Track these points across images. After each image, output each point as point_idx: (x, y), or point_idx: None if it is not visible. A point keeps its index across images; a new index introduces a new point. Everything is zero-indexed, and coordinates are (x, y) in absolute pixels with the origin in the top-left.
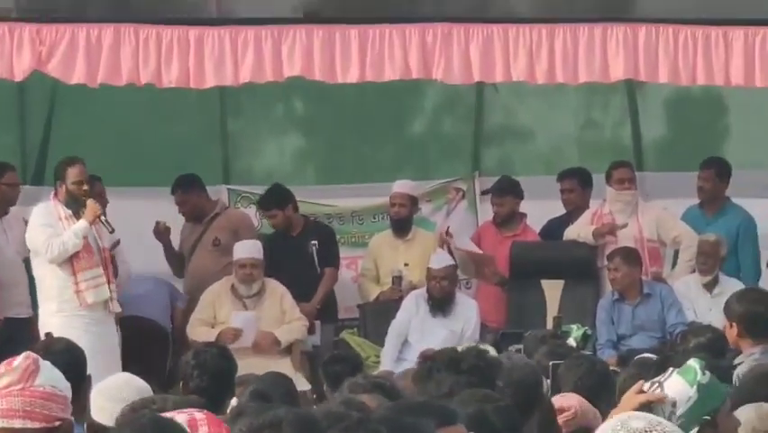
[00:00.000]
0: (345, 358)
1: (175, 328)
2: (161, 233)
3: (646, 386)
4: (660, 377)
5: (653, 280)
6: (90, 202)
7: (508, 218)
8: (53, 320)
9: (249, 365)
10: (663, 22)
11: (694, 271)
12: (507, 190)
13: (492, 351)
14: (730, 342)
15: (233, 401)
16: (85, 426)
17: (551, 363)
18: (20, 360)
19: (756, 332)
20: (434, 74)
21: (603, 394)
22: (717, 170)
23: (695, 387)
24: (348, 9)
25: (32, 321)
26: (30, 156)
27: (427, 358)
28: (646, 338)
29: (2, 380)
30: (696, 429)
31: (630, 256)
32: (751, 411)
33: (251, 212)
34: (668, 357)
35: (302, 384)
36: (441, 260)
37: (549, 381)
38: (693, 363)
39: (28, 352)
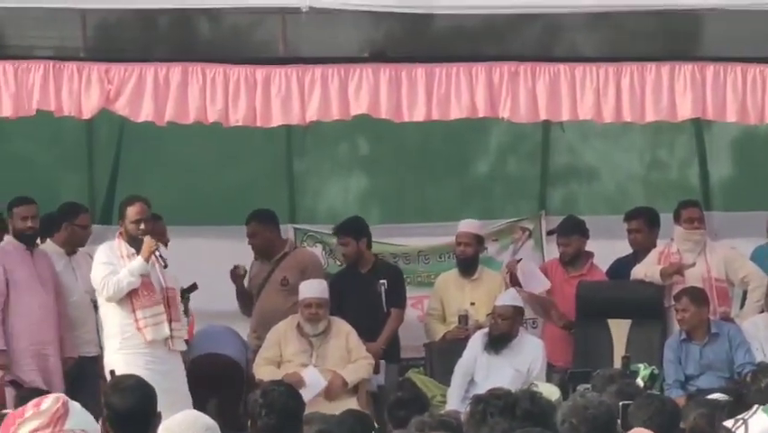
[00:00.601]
0: (410, 401)
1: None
2: (238, 276)
3: (730, 423)
4: (744, 414)
5: (720, 320)
6: (147, 239)
7: (575, 258)
8: (116, 357)
9: (315, 404)
10: (731, 60)
11: (763, 312)
12: (574, 230)
13: (557, 392)
14: None
15: None
16: None
17: (620, 404)
18: (49, 402)
19: None
20: (501, 113)
21: None
22: None
23: None
24: (414, 48)
25: (99, 359)
26: (98, 195)
27: (481, 400)
28: (714, 378)
29: (30, 423)
30: None
31: (698, 296)
32: None
33: (318, 251)
34: (741, 396)
35: None
36: (504, 299)
37: (619, 420)
38: None
39: (58, 394)
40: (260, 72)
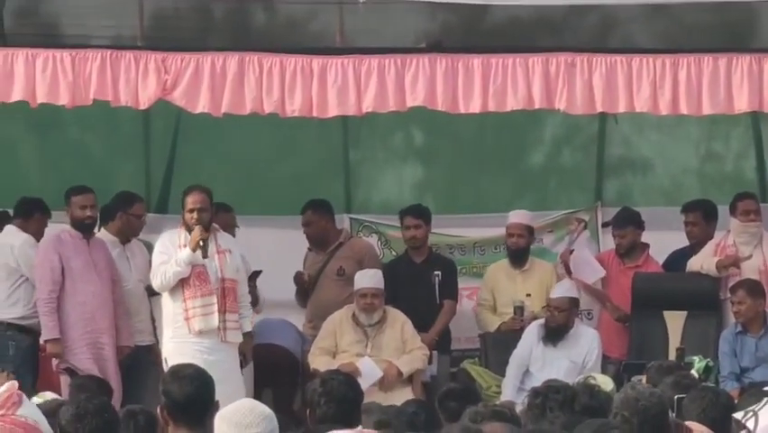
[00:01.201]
0: (461, 392)
1: (303, 366)
2: (302, 281)
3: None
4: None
5: None
6: (195, 229)
7: (630, 249)
8: (168, 346)
9: (369, 394)
10: None
11: None
12: (628, 221)
13: (611, 384)
14: None
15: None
16: None
17: (675, 397)
18: (4, 388)
19: None
20: (557, 104)
21: (727, 426)
22: None
23: None
24: (470, 40)
25: (153, 348)
26: (154, 185)
27: (539, 393)
28: None
29: None
30: None
31: (754, 288)
32: None
33: (374, 241)
34: None
35: None
36: (560, 290)
37: (673, 414)
38: None
39: (13, 382)
40: (317, 62)
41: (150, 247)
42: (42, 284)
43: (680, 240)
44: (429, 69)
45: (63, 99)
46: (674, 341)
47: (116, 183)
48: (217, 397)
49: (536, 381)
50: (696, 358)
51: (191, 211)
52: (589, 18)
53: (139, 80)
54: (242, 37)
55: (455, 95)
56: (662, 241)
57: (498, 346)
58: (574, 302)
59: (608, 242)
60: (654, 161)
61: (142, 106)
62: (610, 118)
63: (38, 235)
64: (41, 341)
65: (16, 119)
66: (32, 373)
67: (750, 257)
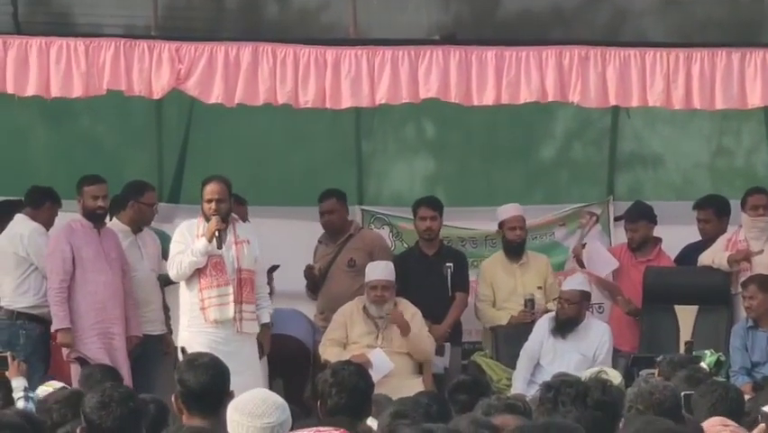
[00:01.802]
0: (471, 385)
1: (314, 357)
2: (313, 275)
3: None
4: None
5: None
6: (212, 219)
7: (643, 243)
8: (184, 334)
9: (381, 386)
10: None
11: None
12: (641, 216)
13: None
14: None
15: (369, 421)
16: None
17: (683, 393)
18: None
19: None
20: (571, 97)
21: (737, 421)
22: None
23: None
24: (484, 31)
25: (164, 338)
26: (166, 174)
27: (551, 388)
28: None
29: None
30: None
31: (766, 283)
32: None
33: (385, 233)
34: None
35: None
36: (570, 283)
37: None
38: None
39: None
40: (330, 53)
41: (162, 236)
42: (53, 274)
43: (691, 234)
44: (443, 60)
45: (77, 91)
46: (685, 335)
47: (128, 173)
48: (232, 387)
49: (547, 374)
50: (707, 352)
51: (209, 201)
52: (602, 11)
53: (153, 70)
54: (255, 27)
55: (469, 87)
56: (673, 235)
57: (509, 339)
58: (585, 295)
59: (620, 236)
60: (666, 156)
61: (156, 96)
62: (622, 112)
63: (48, 224)
64: (52, 330)
65: (28, 108)
66: (43, 362)
67: (761, 252)
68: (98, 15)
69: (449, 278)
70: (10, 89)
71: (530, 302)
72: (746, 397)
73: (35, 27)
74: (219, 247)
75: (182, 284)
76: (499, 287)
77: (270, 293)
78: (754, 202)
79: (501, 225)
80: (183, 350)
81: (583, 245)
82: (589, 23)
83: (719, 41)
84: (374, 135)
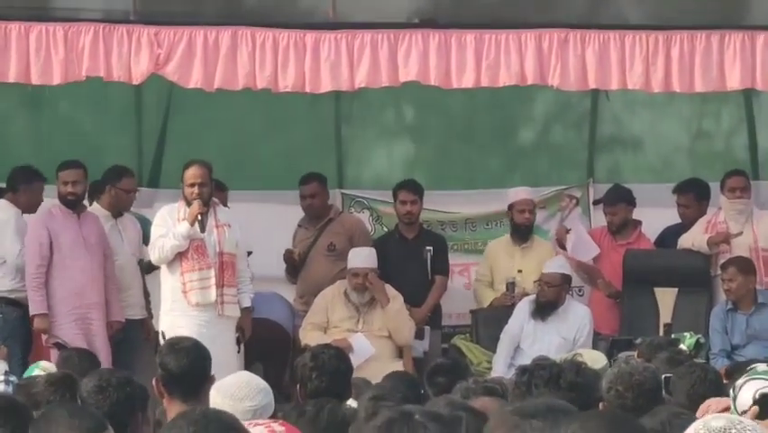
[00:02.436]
0: (450, 367)
1: (295, 341)
2: (292, 258)
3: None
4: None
5: (767, 290)
6: (194, 203)
7: (622, 226)
8: (166, 318)
9: (361, 370)
10: None
11: None
12: (620, 198)
13: (604, 360)
14: None
15: (350, 402)
16: None
17: (663, 376)
18: None
19: None
20: (550, 80)
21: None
22: None
23: None
24: (463, 15)
25: (145, 322)
26: (146, 159)
27: (526, 371)
28: (760, 348)
29: None
30: None
31: (745, 266)
32: None
33: (365, 217)
34: None
35: None
36: (552, 265)
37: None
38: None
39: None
40: (310, 37)
41: (143, 221)
42: (30, 259)
43: (670, 217)
44: (422, 44)
45: (56, 78)
46: (665, 318)
47: (108, 158)
48: (214, 371)
49: (527, 357)
50: (687, 334)
51: (191, 185)
52: None
53: (132, 55)
54: (234, 11)
55: (448, 70)
56: (653, 218)
57: (489, 322)
58: (566, 278)
59: (600, 218)
60: (646, 139)
61: (135, 81)
62: (602, 96)
63: (30, 206)
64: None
65: (8, 94)
66: (21, 346)
67: (740, 234)
68: (77, 0)
69: (428, 262)
70: None
71: (510, 285)
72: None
73: (14, 12)
74: (202, 231)
75: (163, 268)
76: (498, 269)
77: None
78: (733, 184)
79: (511, 207)
80: (163, 334)
81: (567, 230)
82: (568, 5)
83: (698, 23)
84: (354, 120)
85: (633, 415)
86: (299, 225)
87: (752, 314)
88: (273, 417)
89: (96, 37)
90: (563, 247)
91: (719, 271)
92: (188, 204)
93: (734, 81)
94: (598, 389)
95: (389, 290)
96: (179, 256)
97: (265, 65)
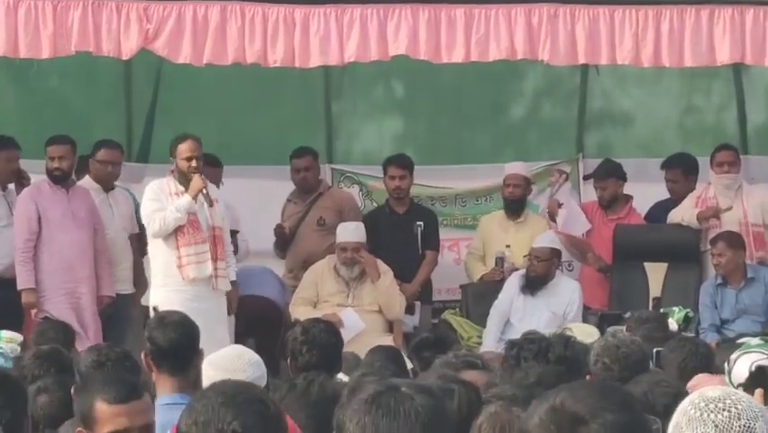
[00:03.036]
0: (436, 341)
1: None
2: (283, 233)
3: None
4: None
5: (757, 265)
6: (195, 177)
7: (612, 201)
8: (159, 294)
9: (351, 344)
10: None
11: None
12: (610, 173)
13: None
14: None
15: (341, 376)
16: None
17: (654, 350)
18: None
19: None
20: (540, 55)
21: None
22: None
23: None
24: None
25: (135, 297)
26: (135, 134)
27: (515, 345)
28: (750, 323)
29: None
30: None
31: (734, 241)
32: None
33: (355, 192)
34: None
35: None
36: (542, 240)
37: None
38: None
39: None
40: (299, 12)
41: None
42: (19, 234)
43: (660, 192)
44: (412, 18)
45: (45, 52)
46: (655, 292)
47: (97, 133)
48: (206, 344)
49: (517, 331)
50: (676, 309)
51: (188, 159)
52: None
53: (121, 30)
54: None
55: (438, 44)
56: (643, 193)
57: (479, 297)
58: (555, 253)
59: (590, 193)
60: (635, 115)
61: (125, 57)
62: (592, 71)
63: (2, 177)
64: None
65: None
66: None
67: (730, 208)
68: None
69: (419, 236)
70: None
71: (500, 260)
72: None
73: None
74: (210, 205)
75: (155, 244)
76: (491, 243)
77: (235, 252)
78: (721, 159)
79: (504, 181)
80: (155, 309)
81: (560, 204)
82: None
83: None
84: (343, 95)
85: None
86: (288, 200)
87: (741, 289)
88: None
89: (86, 12)
90: (554, 220)
91: (709, 246)
92: (179, 179)
93: (723, 56)
94: (586, 362)
95: (380, 264)
96: (175, 231)
97: (254, 40)
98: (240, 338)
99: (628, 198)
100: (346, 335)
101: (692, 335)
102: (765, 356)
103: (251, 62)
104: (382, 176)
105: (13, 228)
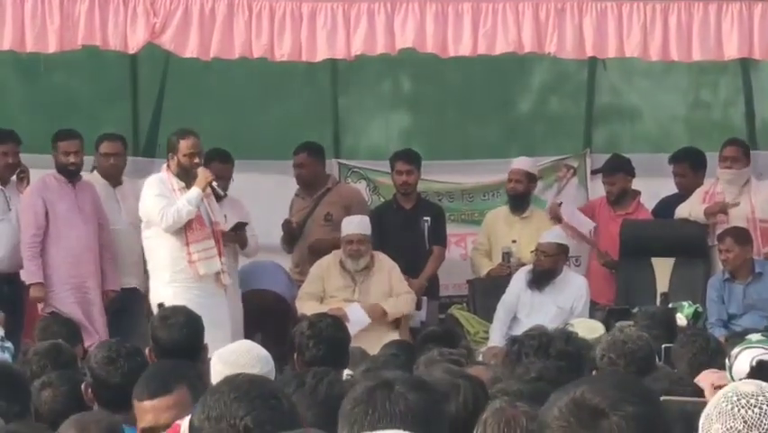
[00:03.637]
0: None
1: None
2: (291, 228)
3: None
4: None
5: (764, 260)
6: (201, 169)
7: (621, 196)
8: (166, 290)
9: (357, 339)
10: None
11: None
12: (618, 168)
13: (602, 329)
14: None
15: (346, 372)
16: None
17: (663, 346)
18: None
19: None
20: (547, 48)
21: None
22: None
23: None
24: None
25: (141, 291)
26: (141, 128)
27: (516, 341)
28: (757, 318)
29: None
30: None
31: (741, 236)
32: None
33: (362, 187)
34: None
35: None
36: (549, 235)
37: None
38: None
39: None
40: (306, 6)
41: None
42: (26, 229)
43: (668, 187)
44: (419, 12)
45: (52, 46)
46: (662, 288)
47: (104, 127)
48: (213, 339)
49: (524, 327)
50: (685, 304)
51: (190, 155)
52: None
53: (128, 24)
54: None
55: (445, 38)
56: (651, 188)
57: (486, 292)
58: (563, 248)
59: (598, 189)
60: (643, 109)
61: (132, 51)
62: (599, 66)
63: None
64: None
65: (3, 63)
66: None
67: (738, 204)
68: None
69: (426, 232)
70: None
71: (507, 255)
72: None
73: None
74: (219, 198)
75: (160, 240)
76: (496, 238)
77: (244, 246)
78: (725, 154)
79: None
80: (161, 306)
81: (559, 204)
82: None
83: None
84: (350, 90)
85: None
86: (296, 195)
87: (749, 284)
88: None
89: (92, 5)
90: (559, 221)
91: (716, 242)
92: (181, 174)
93: (731, 50)
94: (589, 358)
95: (386, 260)
96: (184, 227)
97: (261, 34)
98: (247, 333)
99: (636, 193)
100: (352, 329)
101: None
102: (766, 351)
103: (257, 56)
104: (389, 171)
105: (14, 223)
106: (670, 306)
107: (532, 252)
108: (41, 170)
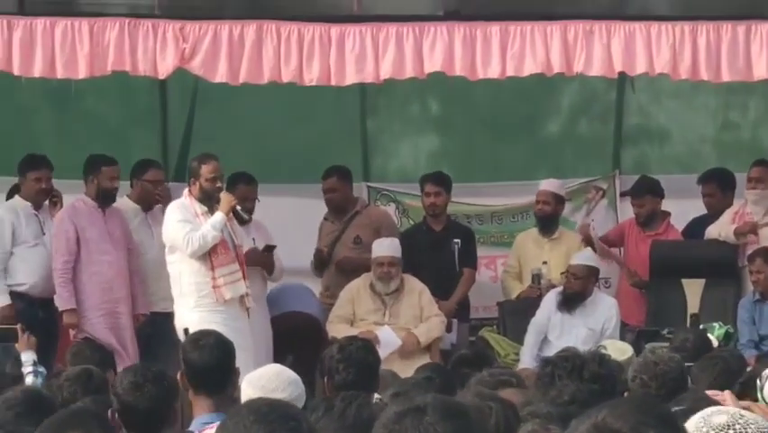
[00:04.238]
0: (474, 359)
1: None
2: (322, 256)
3: None
4: None
5: None
6: (224, 194)
7: (650, 218)
8: (192, 316)
9: (388, 362)
10: None
11: None
12: (646, 190)
13: (630, 350)
14: None
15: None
16: None
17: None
18: None
19: None
20: (575, 68)
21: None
22: None
23: None
24: (488, 7)
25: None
26: (171, 153)
27: (549, 363)
28: None
29: None
30: None
31: None
32: None
33: (391, 210)
34: None
35: None
36: (579, 258)
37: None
38: None
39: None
40: (335, 31)
41: None
42: (57, 255)
43: (698, 208)
44: (447, 36)
45: (82, 72)
46: (692, 309)
47: (133, 153)
48: (243, 365)
49: (554, 348)
50: (716, 325)
51: (212, 180)
52: None
53: (157, 50)
54: (259, 5)
55: (473, 61)
56: (681, 209)
57: (516, 314)
58: (593, 271)
59: (627, 210)
60: (672, 130)
61: (161, 76)
62: (628, 87)
63: (32, 197)
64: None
65: (33, 89)
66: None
67: None
68: None
69: (456, 254)
70: (16, 71)
71: (537, 277)
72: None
73: (40, 8)
74: (242, 222)
75: (185, 265)
76: (526, 260)
77: (272, 271)
78: (751, 174)
79: None
80: (186, 331)
81: (590, 223)
82: None
83: (725, 14)
84: (379, 113)
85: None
86: (325, 219)
87: None
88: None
89: (122, 32)
90: (590, 243)
91: (747, 262)
92: (203, 199)
93: (761, 71)
94: (620, 380)
95: (416, 283)
96: (209, 252)
97: (290, 59)
98: (280, 355)
99: (666, 214)
100: (382, 352)
101: (726, 350)
102: None
103: (286, 81)
104: (419, 194)
105: (49, 248)
106: (701, 327)
107: (562, 273)
108: (71, 195)
